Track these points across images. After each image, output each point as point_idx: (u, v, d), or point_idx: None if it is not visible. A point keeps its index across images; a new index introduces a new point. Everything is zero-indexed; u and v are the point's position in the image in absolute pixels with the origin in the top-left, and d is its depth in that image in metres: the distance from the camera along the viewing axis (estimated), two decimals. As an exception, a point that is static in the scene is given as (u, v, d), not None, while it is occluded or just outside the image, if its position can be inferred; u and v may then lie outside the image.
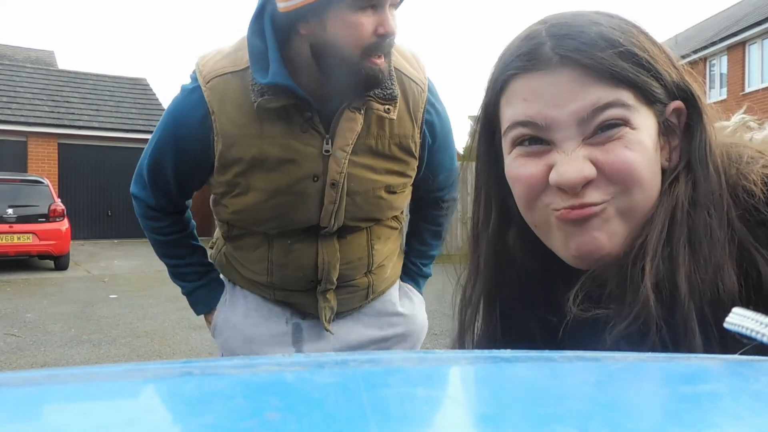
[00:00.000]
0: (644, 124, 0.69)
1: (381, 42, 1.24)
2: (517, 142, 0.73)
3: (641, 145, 0.68)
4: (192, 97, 1.38)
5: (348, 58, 1.25)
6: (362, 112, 1.36)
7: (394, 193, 1.48)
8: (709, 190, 0.67)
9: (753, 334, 0.47)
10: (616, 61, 0.68)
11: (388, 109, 1.37)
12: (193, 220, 1.63)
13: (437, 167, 1.57)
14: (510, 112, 0.73)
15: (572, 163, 0.68)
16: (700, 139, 0.70)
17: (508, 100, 0.73)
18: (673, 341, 0.63)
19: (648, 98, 0.70)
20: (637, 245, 0.68)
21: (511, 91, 0.73)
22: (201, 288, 1.60)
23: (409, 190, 1.55)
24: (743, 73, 17.06)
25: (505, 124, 0.74)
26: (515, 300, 0.80)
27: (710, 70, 18.07)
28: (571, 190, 0.68)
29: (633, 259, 0.67)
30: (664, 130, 0.71)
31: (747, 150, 0.71)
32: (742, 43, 16.99)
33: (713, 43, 17.52)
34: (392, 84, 1.37)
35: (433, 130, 1.50)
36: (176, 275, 1.61)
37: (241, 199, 1.41)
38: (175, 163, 1.45)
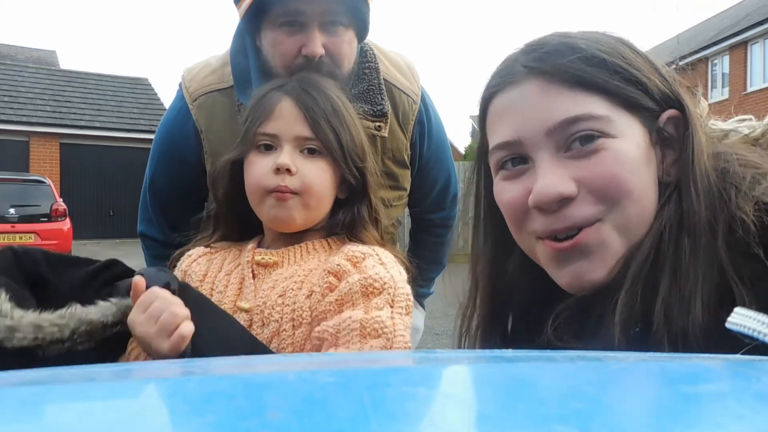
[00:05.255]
0: (627, 132, 0.67)
1: (308, 63, 1.17)
2: (500, 165, 0.73)
3: (626, 154, 0.66)
4: (180, 116, 1.36)
5: (277, 76, 1.19)
6: None
7: (389, 206, 1.43)
8: (695, 214, 0.64)
9: (754, 334, 0.47)
10: (580, 66, 0.67)
11: (379, 126, 1.33)
12: None
13: (430, 183, 1.52)
14: (491, 137, 0.74)
15: (547, 178, 0.66)
16: (686, 155, 0.67)
17: (490, 125, 0.74)
18: None
19: (627, 104, 0.67)
20: (620, 275, 0.65)
21: (491, 114, 0.74)
22: None
23: (404, 201, 1.52)
24: (745, 73, 17.02)
25: (489, 149, 0.74)
26: (513, 331, 0.79)
27: (712, 70, 18.05)
28: (548, 207, 0.66)
29: (613, 289, 0.65)
30: (659, 140, 0.69)
31: (749, 170, 0.67)
32: (744, 43, 16.96)
33: (715, 43, 17.49)
34: (382, 99, 1.32)
35: (424, 142, 1.45)
36: None
37: None
38: (172, 181, 1.41)
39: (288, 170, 1.00)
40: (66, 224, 10.52)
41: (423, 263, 1.66)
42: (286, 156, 1.01)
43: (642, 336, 0.62)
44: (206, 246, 1.12)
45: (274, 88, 1.08)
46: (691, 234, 0.64)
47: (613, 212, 0.66)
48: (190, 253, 1.12)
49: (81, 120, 16.19)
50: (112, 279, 0.99)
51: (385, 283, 0.94)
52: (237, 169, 1.07)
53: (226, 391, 0.38)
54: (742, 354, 0.47)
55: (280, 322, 0.96)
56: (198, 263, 1.09)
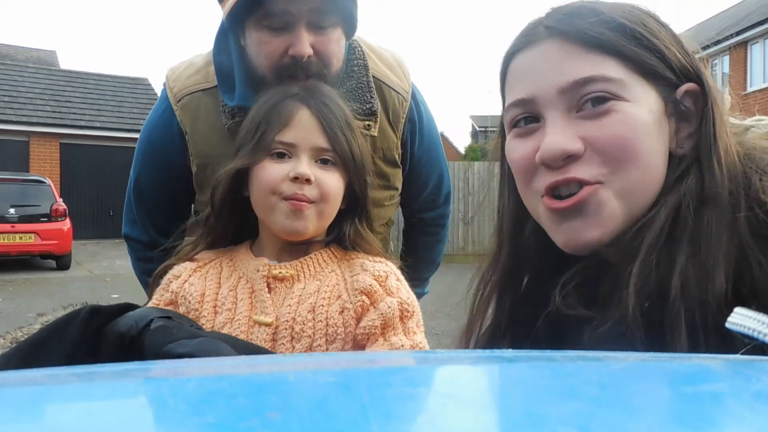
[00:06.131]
0: (641, 98, 0.67)
1: (295, 63, 1.13)
2: (513, 123, 0.73)
3: (637, 118, 0.66)
4: (164, 117, 1.33)
5: (263, 77, 1.17)
6: None
7: (380, 206, 1.42)
8: (717, 187, 0.64)
9: (755, 334, 0.47)
10: (599, 28, 0.67)
11: (368, 125, 1.30)
12: None
13: (422, 182, 1.50)
14: (508, 96, 0.74)
15: (555, 136, 0.67)
16: (706, 131, 0.67)
17: (508, 84, 0.75)
18: (658, 342, 0.61)
19: (644, 71, 0.68)
20: (633, 246, 0.65)
21: (509, 74, 0.74)
22: None
23: (396, 201, 1.49)
24: (745, 73, 17.02)
25: (505, 107, 0.75)
26: (527, 295, 0.79)
27: (712, 70, 17.99)
28: (553, 163, 0.67)
29: (625, 261, 0.65)
30: (675, 112, 0.69)
31: None
32: (744, 43, 16.95)
33: (715, 43, 17.47)
34: (371, 97, 1.30)
35: (415, 140, 1.43)
36: None
37: None
38: (157, 183, 1.40)
39: (307, 180, 1.00)
40: (66, 224, 10.53)
41: (417, 263, 1.64)
42: (305, 165, 1.01)
43: (656, 307, 0.62)
44: (191, 260, 1.09)
45: (287, 96, 1.06)
46: (714, 206, 0.63)
47: (617, 176, 0.66)
48: (176, 273, 1.07)
49: (81, 120, 16.18)
50: (98, 328, 0.77)
51: (414, 307, 1.03)
52: (240, 175, 1.06)
53: (226, 391, 0.38)
54: (742, 354, 0.47)
55: (313, 337, 0.97)
56: (191, 283, 1.05)
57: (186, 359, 0.72)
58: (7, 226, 9.95)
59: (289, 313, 0.98)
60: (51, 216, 10.38)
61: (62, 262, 10.75)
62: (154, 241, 1.42)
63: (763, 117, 0.81)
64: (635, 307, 0.62)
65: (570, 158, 0.67)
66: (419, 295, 1.71)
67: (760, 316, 0.47)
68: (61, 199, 10.97)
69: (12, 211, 10.04)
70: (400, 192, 1.48)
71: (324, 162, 1.04)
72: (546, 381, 0.41)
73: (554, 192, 0.69)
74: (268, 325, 0.98)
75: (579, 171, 0.66)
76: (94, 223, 15.63)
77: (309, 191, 1.00)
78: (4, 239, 9.95)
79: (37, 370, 0.45)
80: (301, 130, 1.03)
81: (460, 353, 0.70)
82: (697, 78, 0.69)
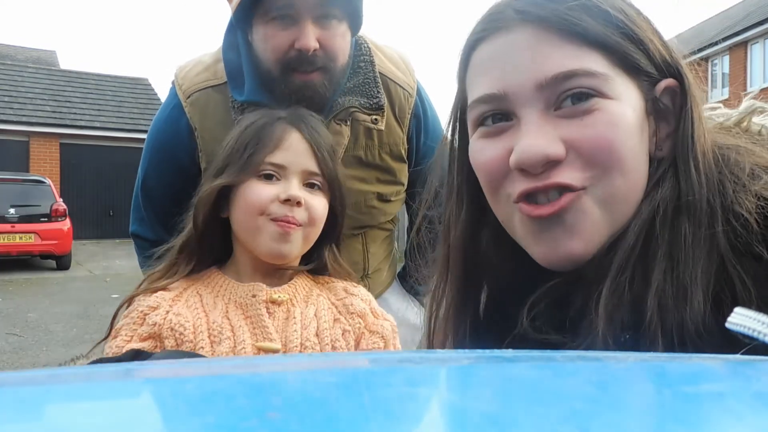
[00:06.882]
0: (624, 95, 0.60)
1: (301, 57, 1.16)
2: (479, 121, 0.65)
3: (621, 118, 0.59)
4: (174, 114, 1.35)
5: (269, 71, 1.20)
6: (348, 123, 1.30)
7: (387, 201, 1.44)
8: (695, 195, 0.58)
9: (755, 334, 0.47)
10: (581, 16, 0.60)
11: (375, 119, 1.32)
12: None
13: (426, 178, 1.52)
14: (472, 90, 0.66)
15: (533, 138, 0.59)
16: (684, 132, 0.61)
17: (471, 76, 0.67)
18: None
19: (627, 65, 0.61)
20: (605, 262, 0.60)
21: (473, 64, 0.66)
22: None
23: (403, 196, 1.50)
24: (745, 73, 17.03)
25: (468, 103, 0.67)
26: (487, 309, 0.73)
27: (712, 70, 18.05)
28: (532, 169, 0.60)
29: (597, 278, 0.59)
30: (654, 111, 0.63)
31: (749, 159, 0.61)
32: (744, 43, 16.97)
33: (715, 43, 17.48)
34: (378, 92, 1.32)
35: (420, 136, 1.44)
36: None
37: None
38: (165, 180, 1.41)
39: (298, 203, 1.00)
40: (66, 224, 10.54)
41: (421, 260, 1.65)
42: (296, 188, 1.01)
43: (630, 330, 0.58)
44: (165, 290, 1.03)
45: (276, 118, 1.07)
46: (691, 216, 0.58)
47: (600, 182, 0.60)
48: (152, 304, 1.00)
49: (81, 120, 16.18)
50: None
51: (395, 326, 1.10)
52: (222, 196, 1.04)
53: (226, 391, 0.38)
54: (742, 354, 0.47)
55: None
56: (176, 314, 0.99)
57: (186, 359, 0.72)
58: (7, 226, 9.95)
59: (296, 338, 0.98)
60: (51, 216, 10.39)
61: (62, 262, 10.76)
62: (161, 239, 1.42)
63: (715, 104, 0.75)
64: (606, 330, 0.57)
65: (550, 163, 0.60)
66: (424, 293, 1.71)
67: (760, 316, 0.47)
68: (61, 199, 10.97)
69: (12, 211, 10.04)
70: (405, 188, 1.49)
71: (311, 186, 1.04)
72: (547, 381, 0.41)
73: (530, 198, 0.62)
74: (275, 351, 0.97)
75: (562, 176, 0.60)
76: (94, 223, 15.63)
77: (298, 214, 1.00)
78: (4, 239, 9.95)
79: (37, 370, 0.45)
80: (293, 153, 1.03)
81: (459, 353, 0.70)
82: (678, 73, 0.63)
